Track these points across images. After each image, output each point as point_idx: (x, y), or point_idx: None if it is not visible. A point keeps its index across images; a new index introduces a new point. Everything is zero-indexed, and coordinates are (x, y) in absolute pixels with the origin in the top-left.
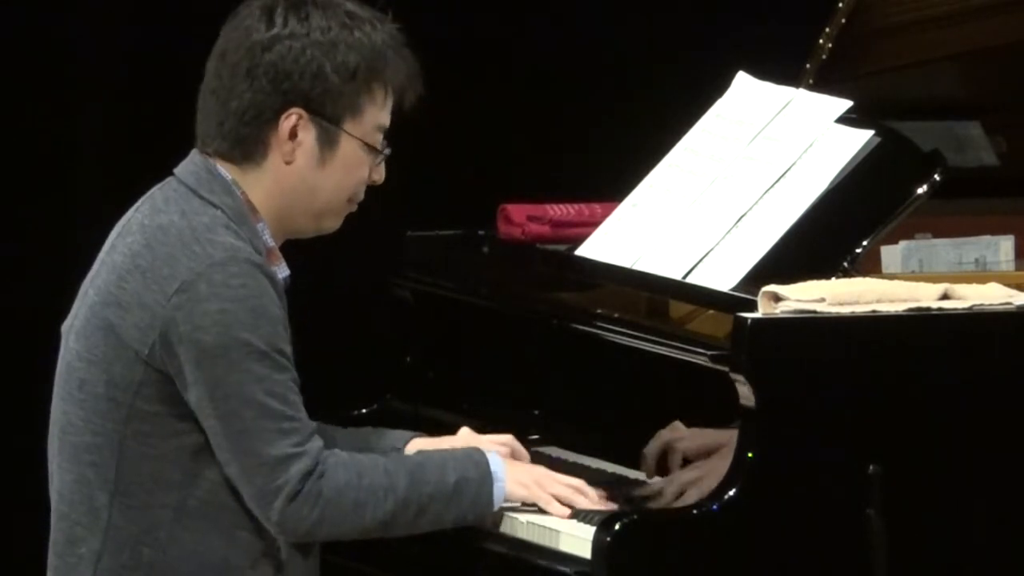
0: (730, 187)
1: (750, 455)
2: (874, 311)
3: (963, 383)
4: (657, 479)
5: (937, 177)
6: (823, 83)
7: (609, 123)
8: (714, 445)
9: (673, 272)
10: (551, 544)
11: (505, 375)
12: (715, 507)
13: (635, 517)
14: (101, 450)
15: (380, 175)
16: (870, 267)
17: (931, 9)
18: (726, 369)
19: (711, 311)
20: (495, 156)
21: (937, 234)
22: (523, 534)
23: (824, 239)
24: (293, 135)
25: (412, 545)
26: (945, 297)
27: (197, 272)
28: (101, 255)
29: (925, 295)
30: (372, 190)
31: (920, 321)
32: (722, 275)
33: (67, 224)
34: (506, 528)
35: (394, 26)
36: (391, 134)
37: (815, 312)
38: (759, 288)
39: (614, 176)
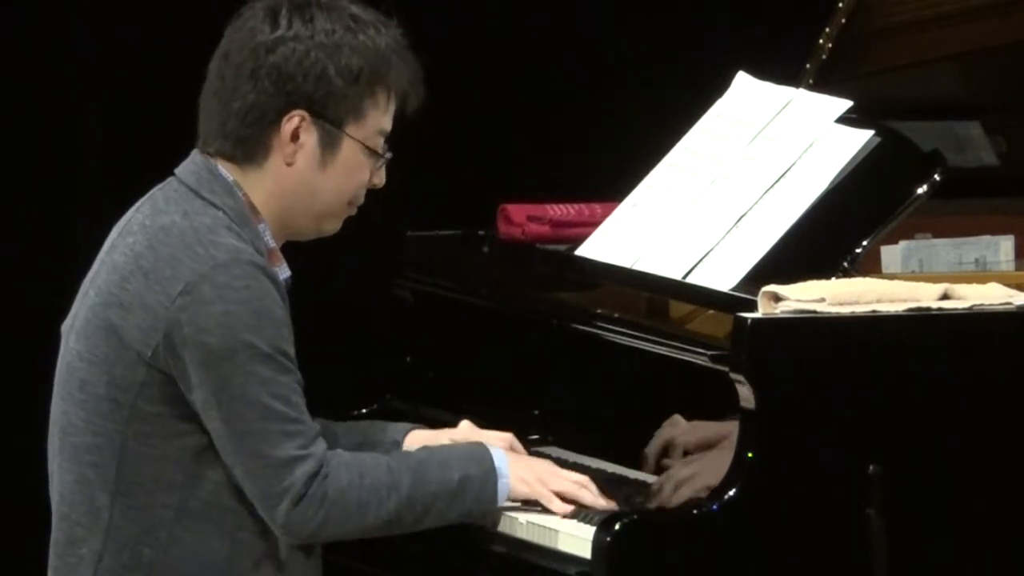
0: (730, 187)
1: (750, 455)
2: (874, 311)
3: (963, 383)
4: (656, 478)
5: (937, 177)
6: (823, 83)
7: (609, 123)
8: (714, 438)
9: (673, 272)
10: (551, 544)
11: (505, 375)
12: (715, 507)
13: (635, 517)
14: (102, 450)
15: (381, 179)
16: (870, 267)
17: (931, 9)
18: (726, 369)
19: (711, 311)
20: (495, 156)
21: (937, 234)
22: (523, 534)
23: (824, 239)
24: (295, 137)
25: (413, 545)
26: (945, 297)
27: (200, 274)
28: (101, 255)
29: (925, 295)
30: (373, 191)
31: (920, 321)
32: (722, 275)
33: (67, 224)
34: (506, 528)
35: (398, 30)
36: (392, 135)
37: (815, 312)
38: (759, 288)
39: (614, 176)
